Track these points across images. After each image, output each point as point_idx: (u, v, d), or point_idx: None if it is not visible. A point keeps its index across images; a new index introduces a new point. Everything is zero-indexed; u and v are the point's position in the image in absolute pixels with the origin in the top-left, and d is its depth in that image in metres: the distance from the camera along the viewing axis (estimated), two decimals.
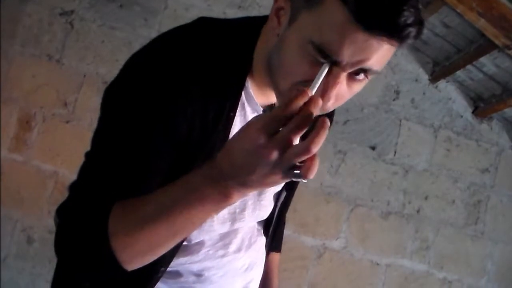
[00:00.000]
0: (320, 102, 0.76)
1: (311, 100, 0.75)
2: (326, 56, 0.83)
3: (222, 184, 0.81)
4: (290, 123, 0.74)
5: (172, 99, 0.92)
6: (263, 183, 0.79)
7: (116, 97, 0.97)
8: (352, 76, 0.88)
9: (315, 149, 0.73)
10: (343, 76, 0.86)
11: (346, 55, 0.82)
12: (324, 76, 0.83)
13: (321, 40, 0.82)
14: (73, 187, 0.96)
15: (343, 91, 0.88)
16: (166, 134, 0.93)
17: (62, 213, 0.94)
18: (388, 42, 0.82)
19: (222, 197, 0.82)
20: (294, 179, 0.78)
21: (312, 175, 0.75)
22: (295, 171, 0.76)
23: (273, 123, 0.75)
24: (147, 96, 0.92)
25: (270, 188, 1.21)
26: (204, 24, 1.03)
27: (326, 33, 0.82)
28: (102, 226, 0.88)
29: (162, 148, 0.94)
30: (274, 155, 0.75)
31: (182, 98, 0.92)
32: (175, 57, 0.93)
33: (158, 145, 0.93)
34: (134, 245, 0.88)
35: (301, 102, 0.75)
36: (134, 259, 0.91)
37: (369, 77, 0.89)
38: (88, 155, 0.99)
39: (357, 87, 0.91)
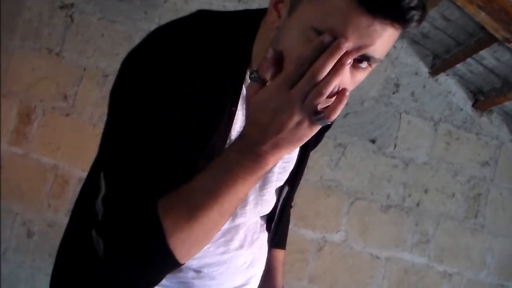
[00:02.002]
0: (342, 47, 0.79)
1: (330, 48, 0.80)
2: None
3: (256, 152, 0.86)
4: (308, 72, 0.80)
5: (175, 94, 0.91)
6: (293, 140, 0.84)
7: (120, 97, 0.96)
8: (355, 65, 0.86)
9: (331, 85, 0.79)
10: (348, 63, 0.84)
11: (351, 40, 0.81)
12: None
13: (324, 26, 0.81)
14: (106, 200, 0.94)
15: (347, 80, 0.87)
16: (173, 128, 0.92)
17: (105, 230, 0.92)
18: (392, 26, 0.81)
19: (259, 165, 0.87)
20: (319, 123, 0.83)
21: (335, 115, 0.82)
22: (319, 116, 0.82)
23: (291, 78, 0.81)
24: (150, 92, 0.91)
25: (272, 182, 1.20)
26: (202, 17, 1.02)
27: (329, 19, 0.81)
28: (156, 229, 0.88)
29: (173, 140, 0.93)
30: (298, 101, 0.81)
31: (184, 93, 0.92)
32: (174, 52, 0.93)
33: (169, 139, 0.93)
34: (190, 238, 0.90)
35: (316, 52, 0.80)
36: (191, 251, 0.93)
37: (373, 65, 0.88)
38: (104, 163, 0.97)
39: (360, 76, 0.89)
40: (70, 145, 2.97)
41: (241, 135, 0.88)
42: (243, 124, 0.95)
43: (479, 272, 3.17)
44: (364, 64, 0.87)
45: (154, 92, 0.91)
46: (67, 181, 2.95)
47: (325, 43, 0.79)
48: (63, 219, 2.86)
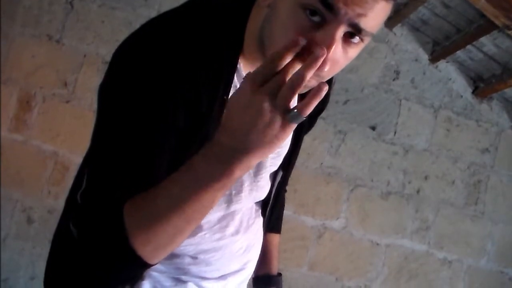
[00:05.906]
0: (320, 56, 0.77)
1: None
2: (323, 1, 0.80)
3: (223, 160, 0.81)
4: (280, 73, 0.77)
5: (166, 88, 0.90)
6: (265, 143, 0.79)
7: (110, 92, 0.95)
8: (347, 40, 0.85)
9: (303, 81, 0.75)
10: (339, 33, 0.83)
11: (342, 10, 0.80)
12: (319, 38, 0.82)
13: (312, 1, 0.80)
14: (83, 195, 0.94)
15: (339, 55, 0.86)
16: (164, 124, 0.92)
17: (78, 223, 0.93)
18: None
19: (225, 174, 0.82)
20: (294, 121, 0.78)
21: (309, 110, 0.76)
22: (293, 113, 0.77)
23: (262, 75, 0.77)
24: (140, 88, 0.90)
25: (266, 167, 1.20)
26: (193, 7, 1.01)
27: None
28: (119, 228, 0.88)
29: (163, 138, 0.93)
30: (267, 97, 0.76)
31: (176, 87, 0.91)
32: (166, 45, 0.92)
33: (159, 136, 0.92)
34: (153, 240, 0.88)
35: (291, 53, 0.77)
36: (157, 253, 0.91)
37: (365, 40, 0.87)
38: (90, 158, 0.98)
39: (353, 52, 0.88)
40: (70, 132, 2.98)
41: (212, 142, 0.83)
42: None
43: (479, 259, 3.18)
44: (356, 40, 0.86)
45: (144, 84, 0.90)
46: (67, 168, 2.95)
47: (299, 44, 0.77)
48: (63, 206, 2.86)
